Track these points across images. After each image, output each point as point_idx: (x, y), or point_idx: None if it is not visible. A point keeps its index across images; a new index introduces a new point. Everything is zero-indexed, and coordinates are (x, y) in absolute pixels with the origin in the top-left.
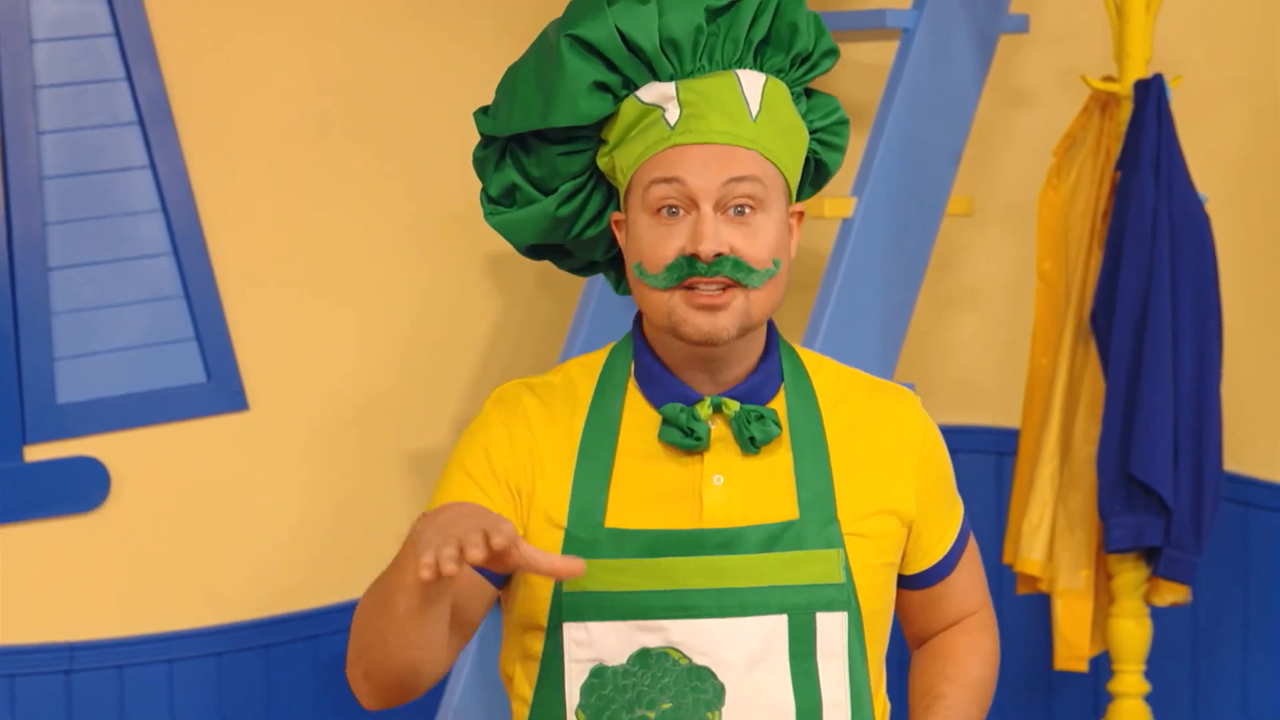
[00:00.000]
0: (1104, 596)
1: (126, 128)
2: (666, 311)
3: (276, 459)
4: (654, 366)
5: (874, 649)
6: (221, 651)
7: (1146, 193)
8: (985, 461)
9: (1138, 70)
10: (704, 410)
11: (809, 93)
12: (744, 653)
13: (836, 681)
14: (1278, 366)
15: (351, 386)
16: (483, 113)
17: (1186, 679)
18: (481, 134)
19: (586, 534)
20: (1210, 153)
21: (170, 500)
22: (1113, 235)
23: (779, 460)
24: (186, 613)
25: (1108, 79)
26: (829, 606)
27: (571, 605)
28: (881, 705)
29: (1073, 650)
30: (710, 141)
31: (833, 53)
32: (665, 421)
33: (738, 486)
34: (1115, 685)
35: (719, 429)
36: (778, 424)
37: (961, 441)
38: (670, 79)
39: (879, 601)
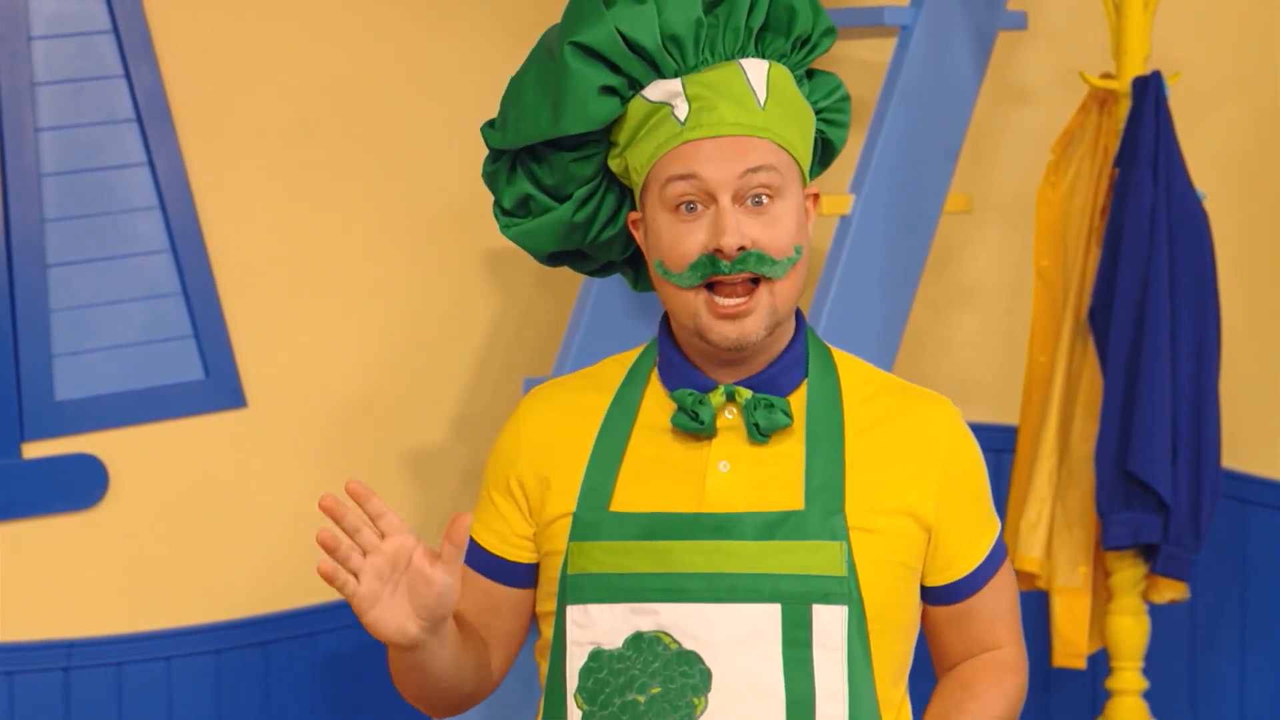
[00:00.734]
0: (1102, 594)
1: (125, 125)
2: (692, 313)
3: (275, 456)
4: (674, 355)
5: (886, 647)
6: (220, 648)
7: (1145, 190)
8: (983, 459)
9: (1136, 67)
10: (717, 398)
11: (810, 73)
12: (731, 638)
13: (833, 673)
14: (1276, 363)
15: (350, 384)
16: (489, 126)
17: (1185, 676)
18: (490, 148)
19: (591, 516)
20: (1208, 150)
21: (168, 497)
22: (1111, 232)
23: (790, 451)
24: (185, 609)
25: (1106, 76)
26: (827, 599)
27: (574, 587)
28: (897, 701)
29: (1071, 647)
30: (722, 134)
31: (831, 31)
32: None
33: (744, 474)
34: (1113, 682)
35: (734, 419)
36: (788, 415)
37: None
38: (675, 75)
39: (889, 598)
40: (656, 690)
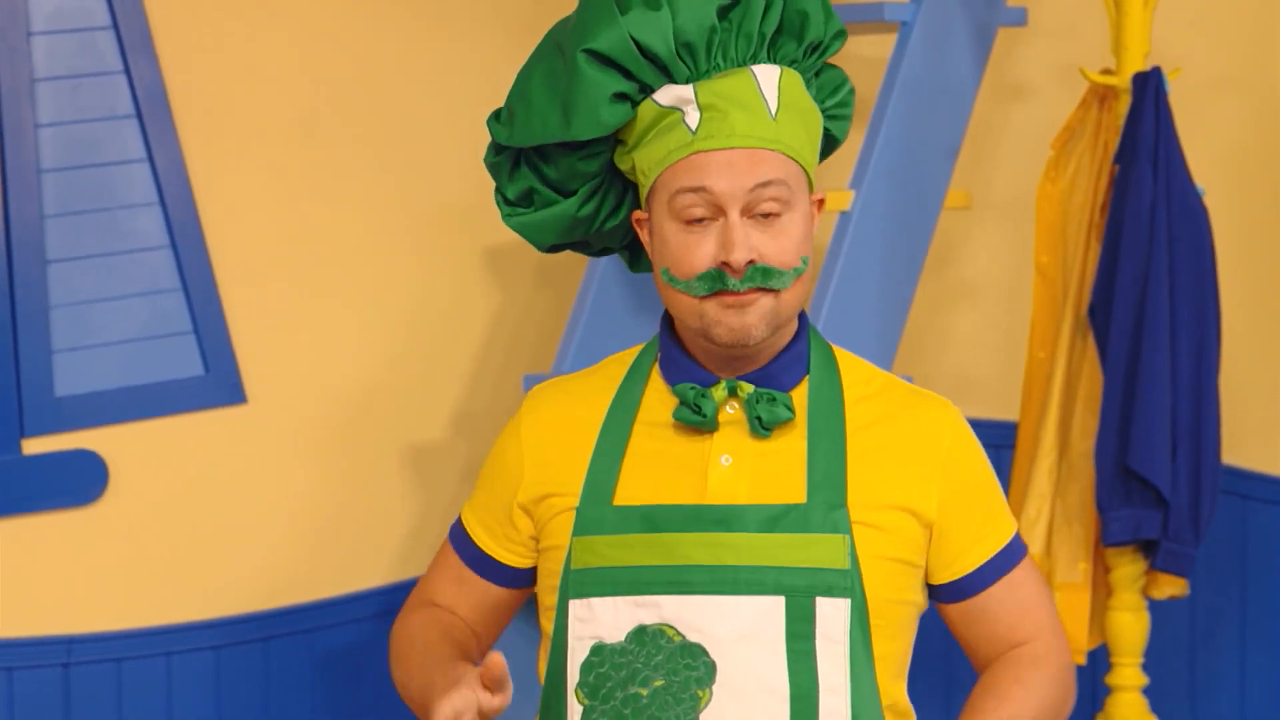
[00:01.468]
0: (1102, 589)
1: (124, 121)
2: (698, 315)
3: (275, 452)
4: (676, 351)
5: (887, 643)
6: (220, 645)
7: (1145, 186)
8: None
9: (1136, 63)
10: (719, 392)
11: (817, 71)
12: (735, 630)
13: (835, 666)
14: (1276, 359)
15: (350, 380)
16: (495, 119)
17: (1184, 671)
18: (496, 141)
19: (594, 510)
20: (1208, 145)
21: (168, 493)
22: (1111, 228)
23: (792, 445)
24: (185, 606)
25: (1106, 72)
26: (830, 592)
27: (577, 581)
28: (898, 698)
29: (1071, 643)
30: (733, 145)
31: (842, 34)
32: (679, 401)
33: (746, 467)
34: (1113, 678)
35: (736, 413)
36: (789, 409)
37: None
38: (686, 81)
39: (890, 593)
40: (660, 683)
